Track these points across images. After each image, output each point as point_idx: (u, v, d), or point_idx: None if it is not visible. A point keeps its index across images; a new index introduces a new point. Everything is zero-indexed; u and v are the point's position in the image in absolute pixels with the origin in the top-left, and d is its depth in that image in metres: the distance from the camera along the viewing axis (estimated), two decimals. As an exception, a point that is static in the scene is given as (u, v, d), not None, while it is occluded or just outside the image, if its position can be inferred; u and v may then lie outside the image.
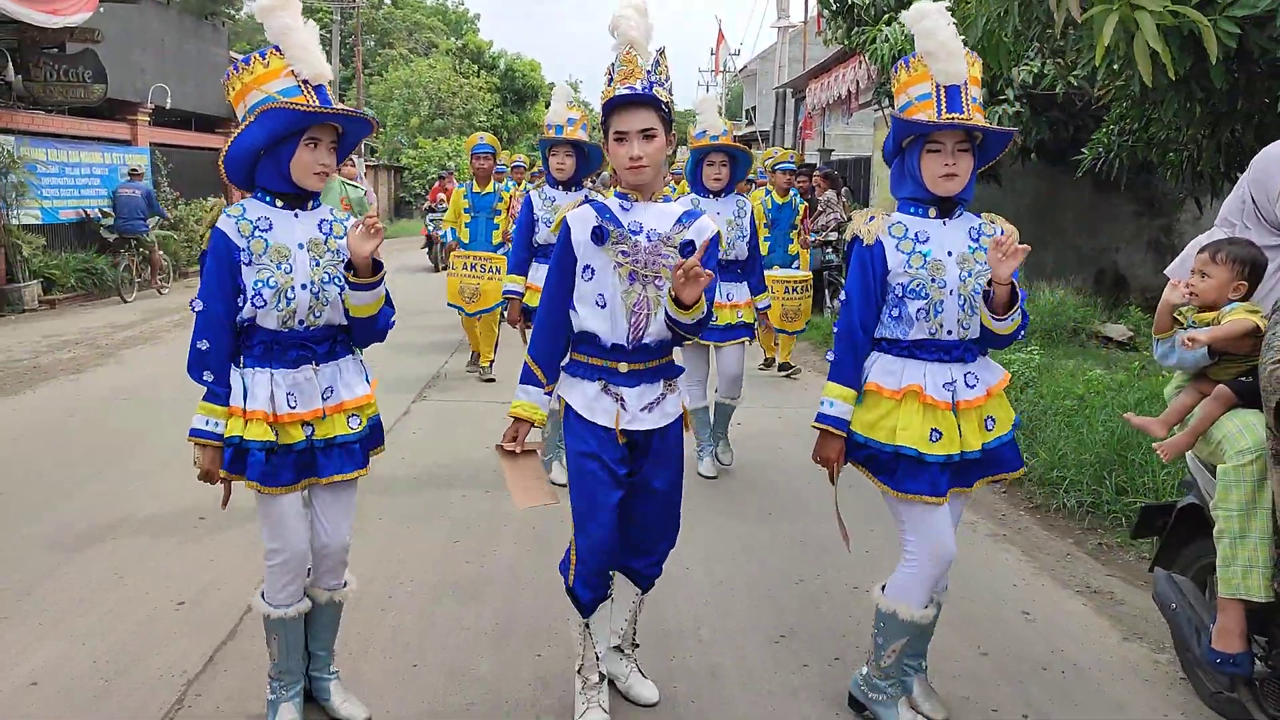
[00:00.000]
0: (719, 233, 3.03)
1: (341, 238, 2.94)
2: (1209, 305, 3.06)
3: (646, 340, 2.94)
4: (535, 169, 16.26)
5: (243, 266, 2.79)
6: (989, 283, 2.81)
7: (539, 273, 5.73)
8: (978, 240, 2.94)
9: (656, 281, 2.92)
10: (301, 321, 2.86)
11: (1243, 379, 2.98)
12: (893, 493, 2.92)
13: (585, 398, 2.97)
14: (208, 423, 2.80)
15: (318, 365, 2.90)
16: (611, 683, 3.26)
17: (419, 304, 11.84)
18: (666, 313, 2.85)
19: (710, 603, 4.03)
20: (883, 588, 3.03)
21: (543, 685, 3.35)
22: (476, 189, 8.20)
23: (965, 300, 2.89)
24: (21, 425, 6.76)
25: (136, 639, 3.61)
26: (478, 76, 43.65)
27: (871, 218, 2.98)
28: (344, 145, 2.93)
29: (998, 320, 2.84)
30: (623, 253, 2.92)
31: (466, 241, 8.20)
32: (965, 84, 2.83)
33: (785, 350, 9.13)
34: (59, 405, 7.33)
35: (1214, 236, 3.19)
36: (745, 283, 5.75)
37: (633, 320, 2.92)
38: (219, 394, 2.80)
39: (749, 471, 5.91)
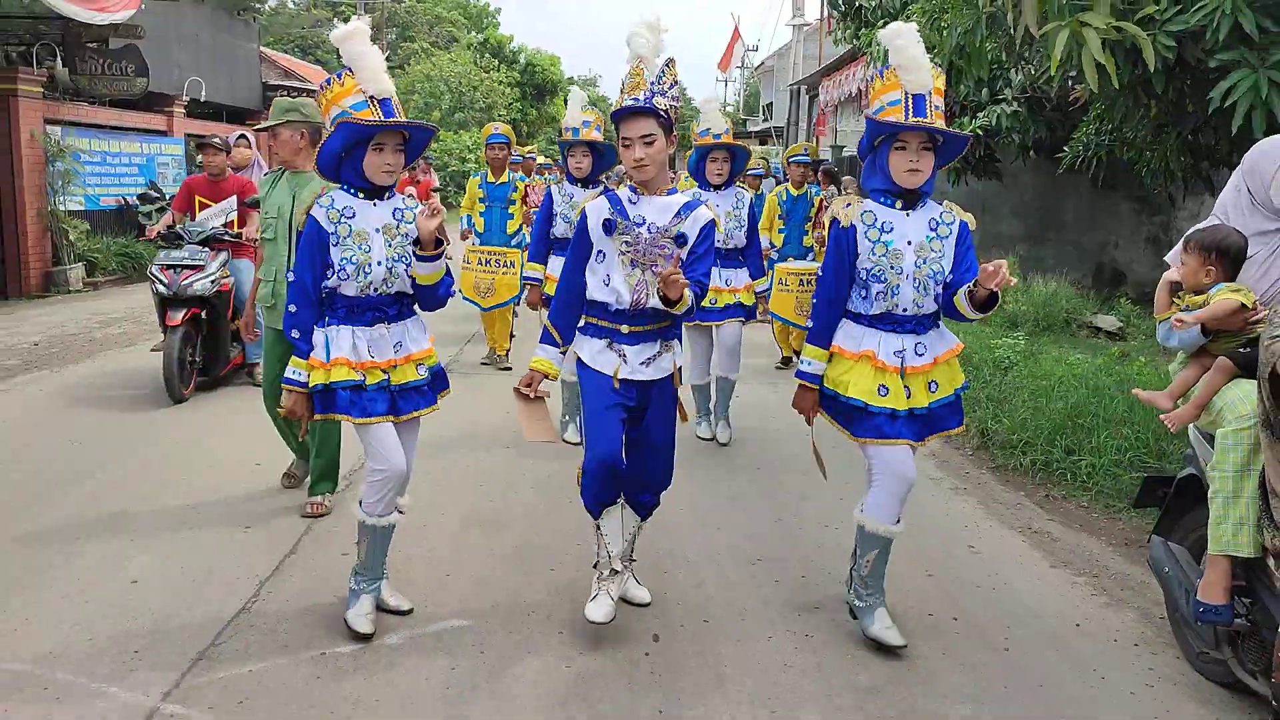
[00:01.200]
0: (714, 220, 3.56)
1: (411, 223, 3.55)
2: (1195, 289, 3.34)
3: (645, 307, 3.51)
4: (551, 163, 16.98)
5: (331, 247, 3.46)
6: (974, 284, 3.26)
7: (556, 264, 6.16)
8: (935, 230, 3.47)
9: (653, 268, 3.45)
10: (376, 290, 3.50)
11: (1243, 349, 3.19)
12: (849, 436, 3.54)
13: (592, 350, 3.57)
14: (295, 373, 3.50)
15: (389, 324, 3.57)
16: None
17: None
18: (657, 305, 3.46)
19: (698, 536, 4.68)
20: (861, 509, 3.57)
21: (555, 592, 4.00)
22: (491, 179, 8.38)
23: (920, 283, 3.43)
24: (93, 385, 7.52)
25: (215, 553, 4.30)
26: (498, 71, 44.31)
27: (849, 204, 3.51)
28: (413, 147, 3.56)
29: (973, 312, 3.35)
30: (626, 243, 3.49)
31: (481, 231, 8.40)
32: (930, 93, 3.32)
33: (799, 340, 9.38)
34: (122, 369, 8.06)
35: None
36: (744, 268, 6.25)
37: (633, 297, 3.49)
38: (303, 350, 3.48)
39: (741, 434, 6.53)
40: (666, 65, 3.47)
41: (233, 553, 4.31)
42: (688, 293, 3.34)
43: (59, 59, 14.17)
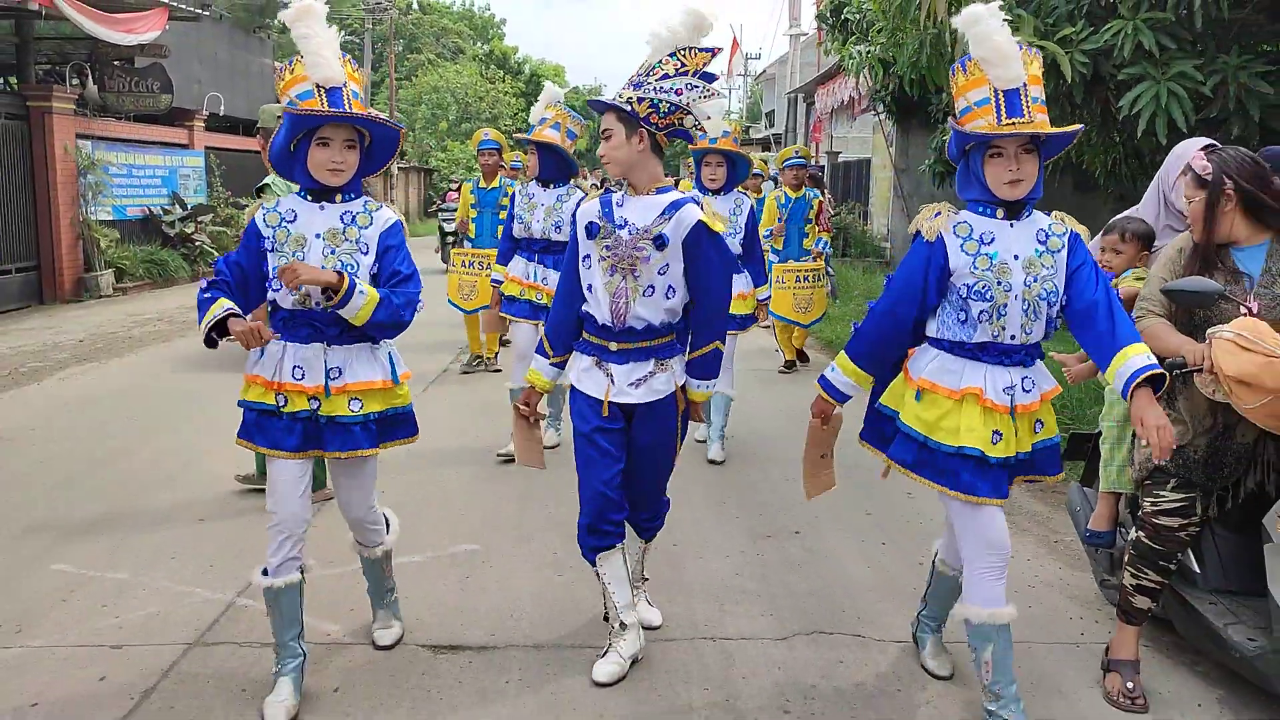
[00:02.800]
0: (702, 221, 3.16)
1: (366, 227, 3.11)
2: (1106, 268, 3.66)
3: (630, 324, 3.21)
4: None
5: (268, 253, 3.07)
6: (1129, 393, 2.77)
7: (516, 265, 5.95)
8: (1045, 242, 2.90)
9: (634, 273, 3.17)
10: (317, 304, 3.04)
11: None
12: (955, 495, 2.89)
13: (580, 369, 3.33)
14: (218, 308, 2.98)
15: (329, 345, 3.09)
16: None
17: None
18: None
19: (683, 518, 5.42)
20: (960, 601, 3.04)
21: (555, 526, 4.76)
22: (483, 185, 8.40)
23: (1030, 305, 2.86)
24: (138, 375, 8.34)
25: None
26: (504, 82, 45.21)
27: (937, 213, 2.97)
28: (379, 148, 3.18)
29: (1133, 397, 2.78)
30: (606, 247, 3.21)
31: (473, 237, 8.40)
32: (1024, 85, 2.76)
33: (801, 338, 9.31)
34: (163, 361, 8.88)
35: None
36: (742, 274, 5.97)
37: (614, 307, 3.20)
38: (212, 295, 3.01)
39: (741, 447, 6.45)
40: (671, 55, 3.13)
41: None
42: (697, 395, 3.33)
43: (90, 77, 14.99)
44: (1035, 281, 2.86)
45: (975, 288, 2.86)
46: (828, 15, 14.07)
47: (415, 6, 52.06)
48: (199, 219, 16.89)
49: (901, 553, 4.53)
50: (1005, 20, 2.79)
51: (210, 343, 3.00)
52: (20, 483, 5.36)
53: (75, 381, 8.10)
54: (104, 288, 14.45)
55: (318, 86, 2.96)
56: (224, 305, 2.96)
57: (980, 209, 2.93)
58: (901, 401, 3.04)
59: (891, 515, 5.05)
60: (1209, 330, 2.95)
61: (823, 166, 23.49)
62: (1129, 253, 3.77)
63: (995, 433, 2.86)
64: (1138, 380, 2.72)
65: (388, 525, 3.51)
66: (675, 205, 3.17)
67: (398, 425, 3.26)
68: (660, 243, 3.14)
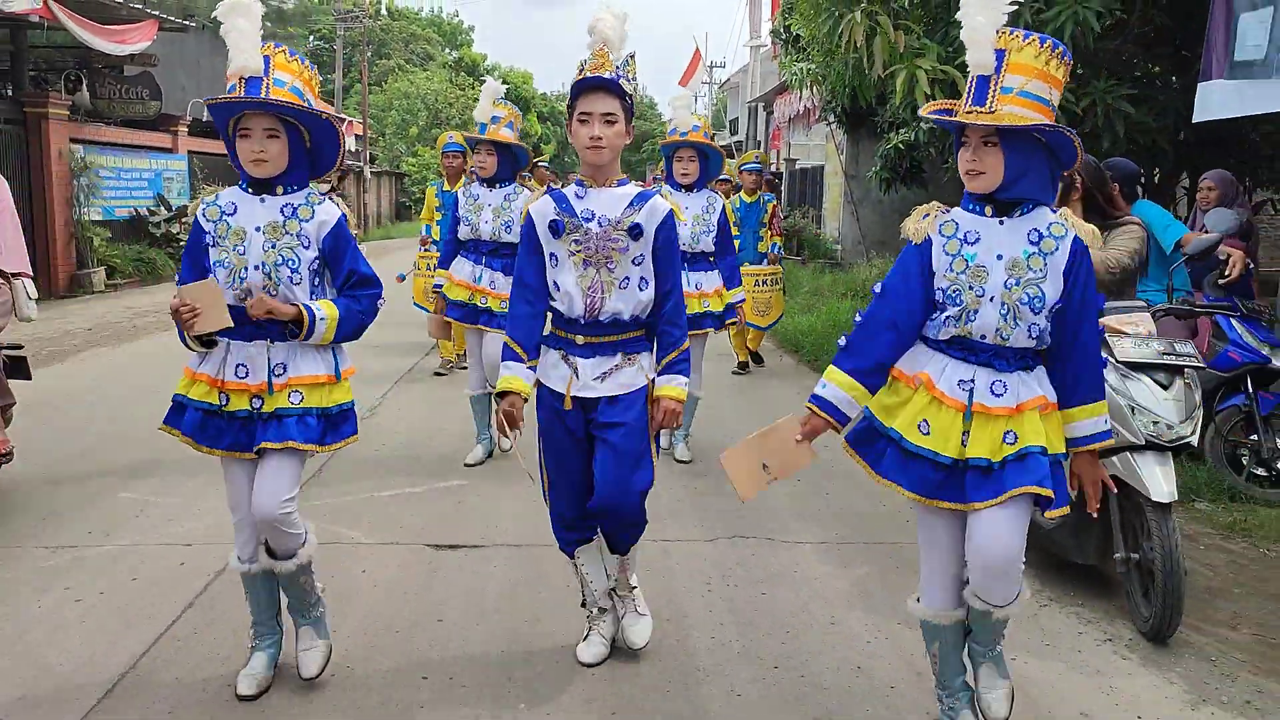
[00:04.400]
0: (672, 210, 3.20)
1: (307, 220, 3.05)
2: None
3: (601, 317, 3.18)
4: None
5: (209, 248, 3.04)
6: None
7: (457, 264, 5.76)
8: (1037, 244, 2.66)
9: (608, 265, 3.14)
10: (276, 326, 3.01)
11: None
12: (870, 473, 2.82)
13: (546, 364, 3.28)
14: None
15: (273, 342, 3.04)
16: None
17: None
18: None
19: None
20: (917, 598, 2.95)
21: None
22: (447, 187, 8.41)
23: (1009, 309, 2.65)
24: (149, 355, 9.23)
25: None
26: (473, 89, 46.06)
27: (926, 215, 2.81)
28: (322, 147, 3.11)
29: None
30: (575, 241, 3.15)
31: (438, 239, 8.18)
32: (998, 74, 2.58)
33: (756, 340, 9.40)
34: (168, 344, 9.71)
35: None
36: (713, 271, 5.87)
37: (588, 300, 3.17)
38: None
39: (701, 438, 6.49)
40: (630, 58, 3.18)
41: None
42: (680, 393, 3.22)
43: (84, 85, 15.78)
44: (1017, 285, 2.64)
45: (948, 291, 2.70)
46: (781, 31, 15.14)
47: (384, 12, 52.73)
48: (183, 219, 17.68)
49: (817, 490, 5.55)
50: (1005, 12, 2.64)
51: (209, 343, 3.04)
52: (73, 437, 6.28)
53: (95, 361, 8.98)
54: (97, 284, 15.22)
55: (239, 78, 2.94)
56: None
57: (970, 205, 2.76)
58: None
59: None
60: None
61: (779, 173, 24.64)
62: None
63: (922, 422, 2.71)
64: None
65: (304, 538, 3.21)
66: (643, 196, 3.18)
67: (340, 424, 3.15)
68: (635, 232, 3.14)
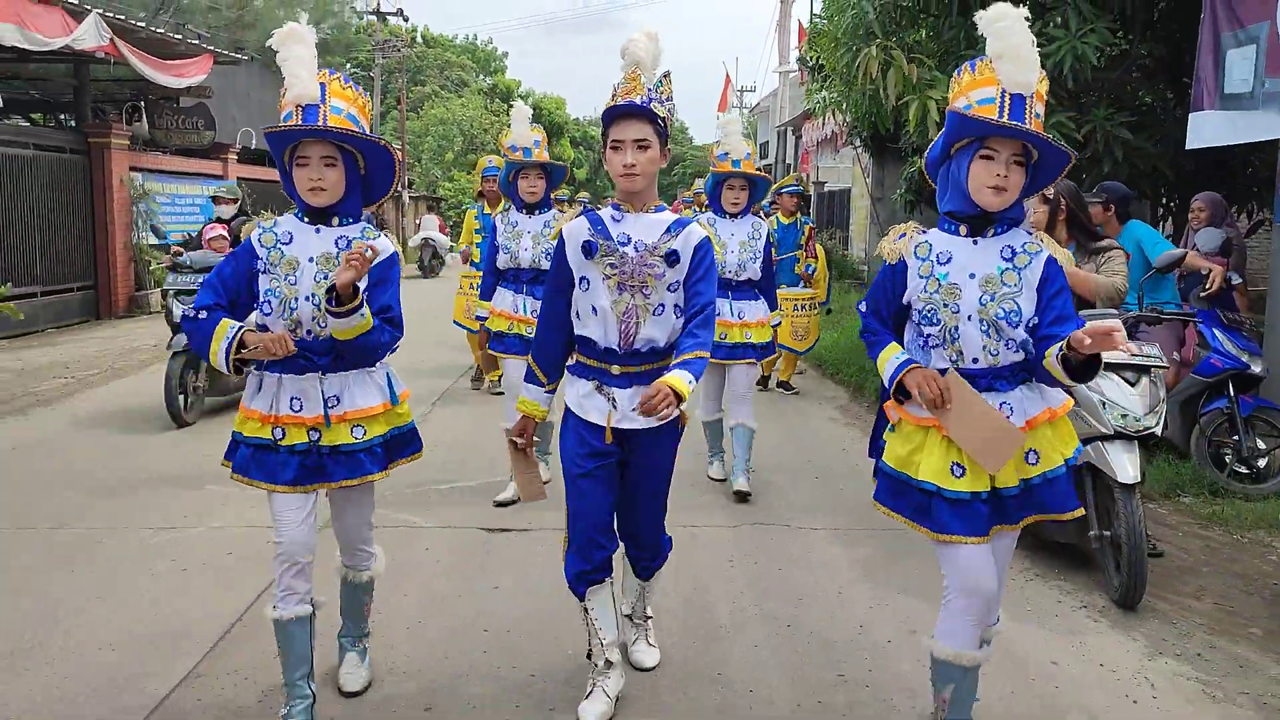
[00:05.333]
0: (708, 238, 3.15)
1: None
2: None
3: (637, 345, 3.10)
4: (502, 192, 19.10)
5: (260, 274, 3.00)
6: (1067, 345, 2.53)
7: (499, 295, 5.64)
8: (1011, 260, 2.73)
9: (644, 290, 3.06)
10: (309, 331, 2.99)
11: None
12: (930, 535, 2.77)
13: (578, 395, 3.18)
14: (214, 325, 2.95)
15: (324, 374, 3.04)
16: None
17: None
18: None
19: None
20: (932, 634, 2.89)
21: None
22: (486, 210, 8.56)
23: (988, 325, 2.70)
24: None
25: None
26: (507, 114, 46.96)
27: (902, 235, 2.88)
28: (376, 175, 3.12)
29: (1069, 377, 2.61)
30: (611, 265, 3.07)
31: (478, 261, 8.30)
32: (1032, 96, 2.64)
33: (788, 369, 9.37)
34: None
35: None
36: (759, 301, 5.78)
37: (623, 327, 3.08)
38: (210, 319, 2.94)
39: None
40: (664, 77, 3.12)
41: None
42: (684, 389, 2.87)
43: (143, 115, 16.63)
44: (993, 300, 2.69)
45: (924, 311, 2.76)
46: (808, 59, 15.71)
47: (419, 40, 53.91)
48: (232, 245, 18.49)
49: (830, 486, 6.06)
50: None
51: (236, 369, 2.95)
52: (158, 439, 6.90)
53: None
54: (153, 305, 15.98)
55: (295, 105, 2.93)
56: (230, 326, 2.92)
57: (946, 225, 2.80)
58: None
59: (840, 478, 6.58)
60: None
61: (808, 195, 25.19)
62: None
63: (955, 465, 2.72)
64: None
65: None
66: (680, 223, 3.12)
67: (404, 444, 3.23)
68: (672, 258, 3.07)
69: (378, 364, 3.16)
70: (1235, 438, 5.75)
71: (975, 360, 2.74)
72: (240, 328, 2.92)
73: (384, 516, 5.15)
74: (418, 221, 31.50)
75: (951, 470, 2.72)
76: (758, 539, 5.02)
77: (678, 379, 2.87)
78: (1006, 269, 2.72)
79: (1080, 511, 2.79)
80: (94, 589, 4.26)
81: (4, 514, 5.27)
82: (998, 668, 3.49)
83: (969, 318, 2.72)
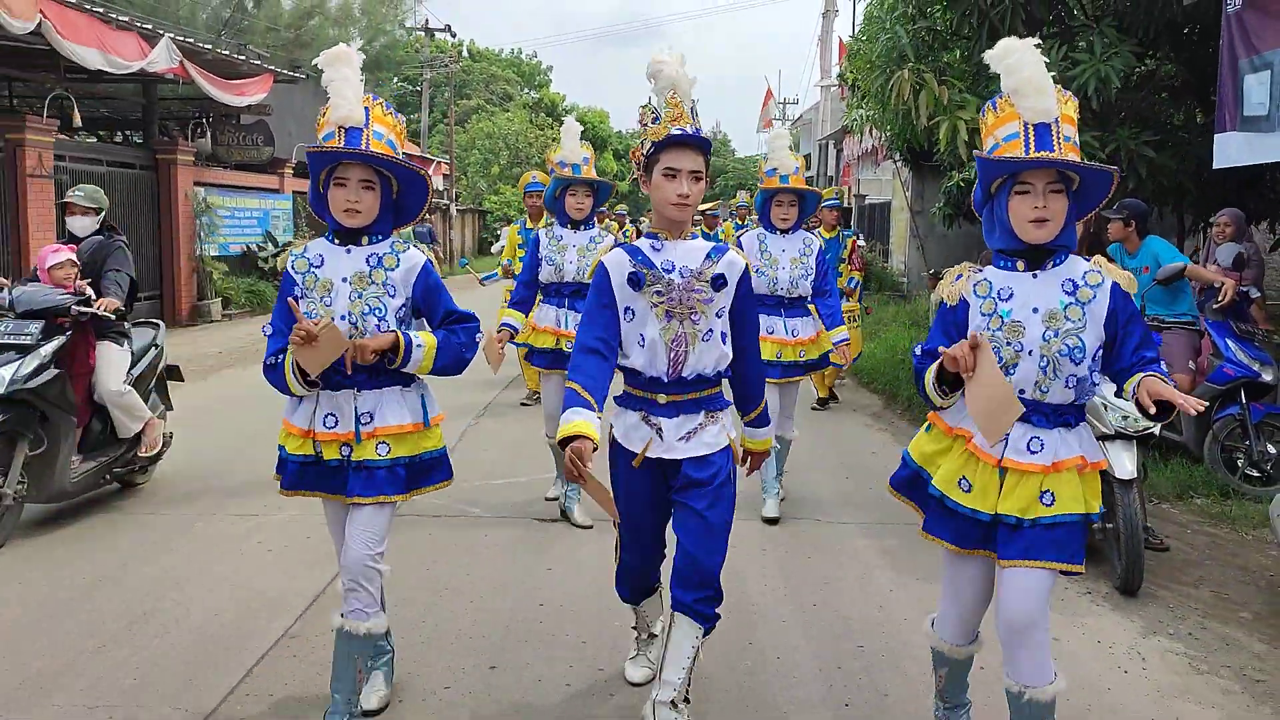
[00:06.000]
0: (747, 265, 3.14)
1: (392, 270, 3.11)
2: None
3: (685, 374, 3.06)
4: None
5: (299, 299, 3.09)
6: (1136, 389, 2.59)
7: (539, 311, 5.68)
8: (1073, 294, 2.71)
9: (693, 317, 3.03)
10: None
11: None
12: (920, 531, 2.93)
13: (625, 425, 3.15)
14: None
15: (359, 391, 3.11)
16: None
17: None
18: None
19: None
20: (931, 622, 3.09)
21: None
22: (529, 225, 8.48)
23: (1049, 362, 2.69)
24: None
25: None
26: (552, 128, 47.69)
27: (959, 276, 2.87)
28: (411, 196, 3.19)
29: (1146, 419, 2.64)
30: (657, 293, 3.04)
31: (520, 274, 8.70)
32: (1056, 121, 2.66)
33: (831, 379, 9.39)
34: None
35: None
36: (809, 318, 5.74)
37: (671, 355, 3.04)
38: (279, 361, 3.09)
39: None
40: (694, 106, 3.09)
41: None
42: (766, 445, 3.36)
43: (207, 132, 17.39)
44: (1055, 336, 2.67)
45: None
46: (847, 76, 16.09)
47: (465, 54, 54.82)
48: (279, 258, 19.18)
49: (860, 486, 6.44)
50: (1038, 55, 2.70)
51: (311, 384, 3.07)
52: (233, 435, 7.47)
53: (230, 382, 10.24)
54: (214, 314, 16.71)
55: (339, 127, 3.00)
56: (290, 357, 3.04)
57: (1001, 263, 2.81)
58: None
59: (861, 466, 6.97)
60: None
61: (849, 209, 25.49)
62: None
63: (963, 480, 2.77)
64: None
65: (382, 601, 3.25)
66: (719, 250, 3.12)
67: (431, 470, 3.24)
68: (719, 283, 3.06)
69: (413, 383, 3.22)
70: (1246, 443, 6.06)
71: (1021, 392, 2.71)
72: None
73: (446, 506, 5.65)
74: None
75: (959, 483, 2.79)
76: (789, 531, 5.42)
77: (759, 444, 3.39)
78: (1070, 303, 2.70)
79: (1080, 568, 2.73)
80: (193, 566, 4.76)
81: (107, 503, 5.81)
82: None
83: (1030, 353, 2.70)
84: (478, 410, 8.99)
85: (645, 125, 3.07)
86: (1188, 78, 8.43)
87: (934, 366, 2.79)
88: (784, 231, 5.63)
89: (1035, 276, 2.74)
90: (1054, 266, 2.73)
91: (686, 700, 3.04)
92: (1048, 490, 2.70)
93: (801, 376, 5.77)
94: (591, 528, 5.36)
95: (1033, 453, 2.71)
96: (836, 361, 8.48)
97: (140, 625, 4.08)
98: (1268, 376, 6.06)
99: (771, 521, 5.55)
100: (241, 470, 6.50)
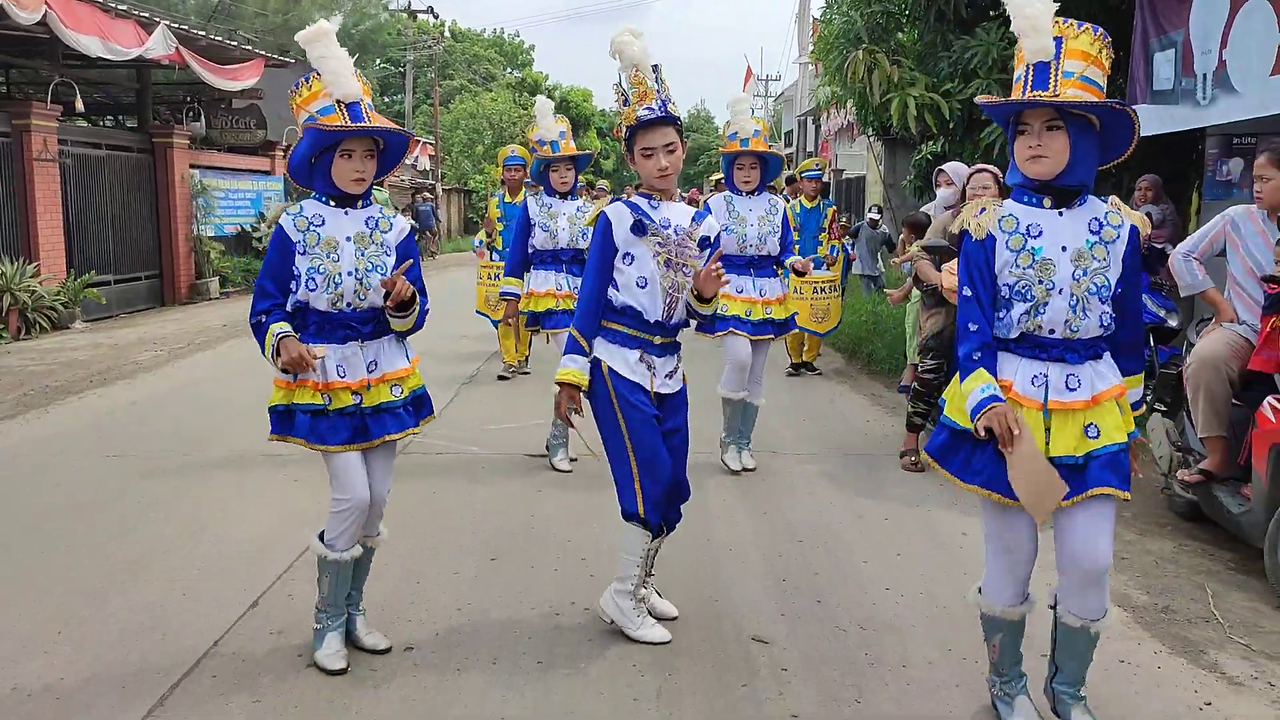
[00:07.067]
0: (720, 231, 3.66)
1: (387, 232, 3.39)
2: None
3: (674, 320, 3.55)
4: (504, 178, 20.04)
5: (297, 256, 3.27)
6: None
7: (536, 277, 6.15)
8: (1098, 233, 2.74)
9: (684, 269, 3.47)
10: (349, 304, 3.29)
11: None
12: (966, 486, 2.85)
13: (627, 363, 3.52)
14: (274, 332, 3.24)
15: (364, 342, 3.37)
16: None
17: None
18: (688, 304, 3.56)
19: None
20: (979, 589, 3.03)
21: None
22: (508, 199, 8.66)
23: (1078, 300, 2.72)
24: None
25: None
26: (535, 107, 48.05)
27: (982, 209, 2.85)
28: (389, 155, 3.37)
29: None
30: (659, 244, 3.47)
31: (500, 248, 8.66)
32: (1058, 59, 2.65)
33: (813, 350, 9.57)
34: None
35: None
36: (777, 279, 5.94)
37: (666, 300, 3.50)
38: (266, 321, 3.28)
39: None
40: (657, 72, 3.44)
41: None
42: (718, 293, 3.56)
43: (201, 116, 17.96)
44: (1085, 275, 2.71)
45: (1016, 287, 2.76)
46: (812, 56, 16.74)
47: (448, 34, 55.07)
48: (268, 226, 19.83)
49: (814, 422, 7.21)
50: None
51: (284, 370, 3.28)
52: (247, 394, 8.16)
53: (239, 350, 10.93)
54: (212, 292, 17.30)
55: (338, 102, 3.19)
56: (276, 330, 3.24)
57: (1026, 198, 2.80)
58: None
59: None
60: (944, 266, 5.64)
61: (828, 182, 26.23)
62: (908, 237, 6.48)
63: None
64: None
65: None
66: (700, 215, 3.62)
67: (424, 404, 3.58)
68: (704, 244, 3.54)
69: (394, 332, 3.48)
70: (1152, 380, 6.84)
71: (1052, 331, 2.76)
72: (281, 335, 3.23)
73: (448, 446, 6.41)
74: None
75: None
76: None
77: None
78: (1095, 243, 2.74)
79: (1127, 495, 2.76)
80: (212, 509, 5.49)
81: (138, 453, 6.52)
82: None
83: (1060, 291, 2.73)
84: (459, 382, 9.07)
85: (620, 107, 3.50)
86: (1116, 56, 9.16)
87: (973, 413, 2.75)
88: (750, 193, 5.86)
89: (1061, 214, 2.75)
90: (1079, 205, 2.77)
91: (651, 574, 3.80)
92: (1091, 423, 2.75)
93: (771, 336, 5.91)
94: (571, 472, 5.94)
95: (1071, 390, 2.75)
96: (814, 329, 9.10)
97: (160, 559, 4.80)
98: (1173, 322, 6.83)
99: (736, 472, 5.91)
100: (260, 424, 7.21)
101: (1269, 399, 4.13)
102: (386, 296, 3.29)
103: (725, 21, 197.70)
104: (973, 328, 2.82)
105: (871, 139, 20.03)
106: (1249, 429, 4.28)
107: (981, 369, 2.78)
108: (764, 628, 3.79)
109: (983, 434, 2.73)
